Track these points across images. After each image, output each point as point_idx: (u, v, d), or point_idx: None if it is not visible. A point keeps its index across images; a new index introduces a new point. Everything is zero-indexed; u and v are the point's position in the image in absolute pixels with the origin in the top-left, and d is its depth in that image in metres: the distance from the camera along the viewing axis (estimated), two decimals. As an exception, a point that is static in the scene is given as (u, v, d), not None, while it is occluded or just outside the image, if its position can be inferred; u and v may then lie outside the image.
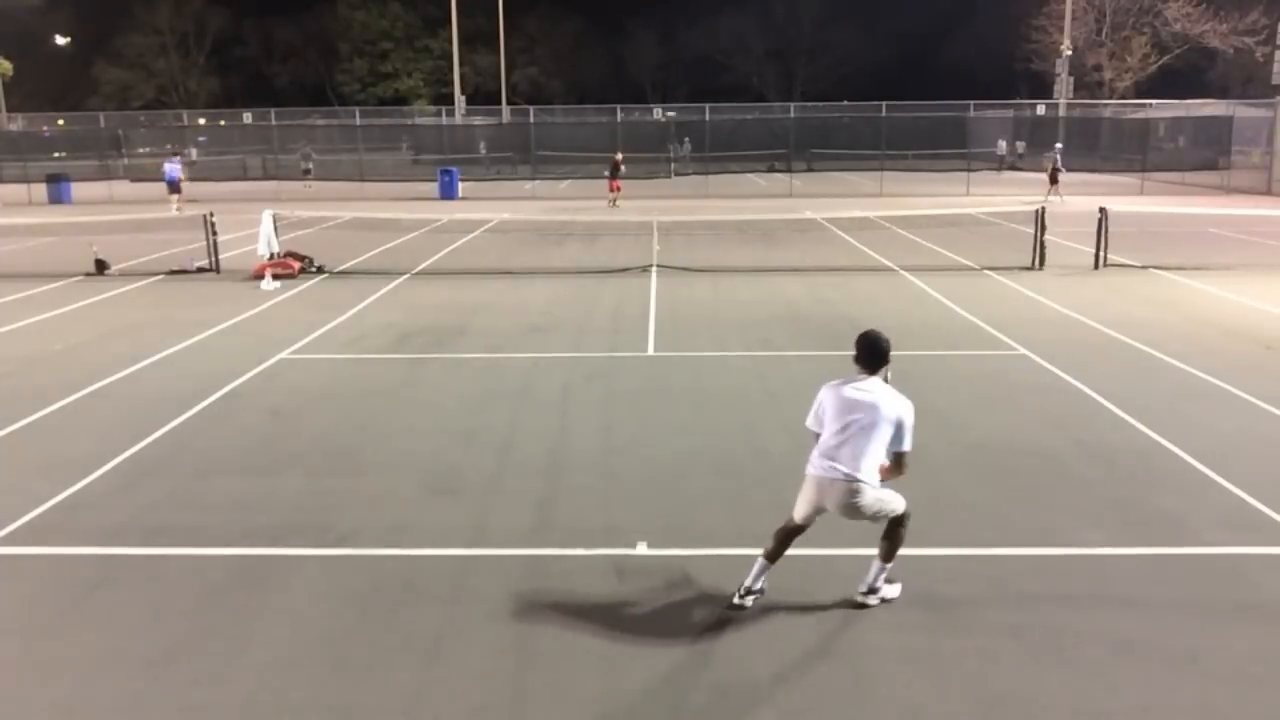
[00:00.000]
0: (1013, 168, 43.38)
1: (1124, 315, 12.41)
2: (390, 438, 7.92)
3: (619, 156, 30.09)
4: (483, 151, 44.34)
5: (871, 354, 5.00)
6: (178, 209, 26.42)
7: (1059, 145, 30.76)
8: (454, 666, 4.60)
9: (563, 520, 6.25)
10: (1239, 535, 5.92)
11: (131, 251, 18.85)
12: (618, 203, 28.42)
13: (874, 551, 5.13)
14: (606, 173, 29.74)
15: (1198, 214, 22.80)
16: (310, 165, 39.54)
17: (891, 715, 4.21)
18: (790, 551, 5.73)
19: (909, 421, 4.88)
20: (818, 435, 5.10)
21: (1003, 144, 42.87)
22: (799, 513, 5.07)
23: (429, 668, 4.59)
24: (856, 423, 4.85)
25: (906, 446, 4.91)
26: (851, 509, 4.90)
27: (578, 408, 8.68)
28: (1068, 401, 8.75)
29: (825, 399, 5.06)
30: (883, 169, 35.90)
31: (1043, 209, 16.64)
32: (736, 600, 5.09)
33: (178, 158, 30.00)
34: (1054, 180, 28.60)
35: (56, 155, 43.87)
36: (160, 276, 16.48)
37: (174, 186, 28.29)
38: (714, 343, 11.22)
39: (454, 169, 34.33)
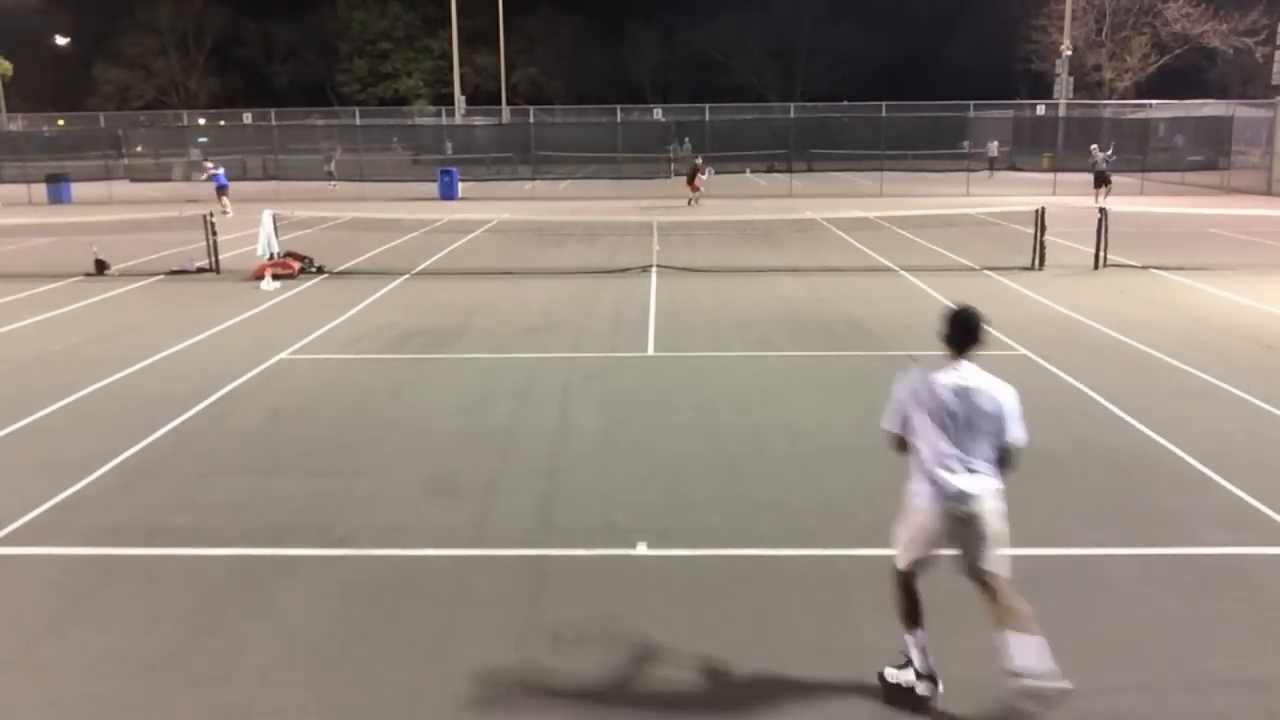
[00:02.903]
0: (1012, 167, 43.30)
1: (1124, 315, 12.41)
2: (390, 438, 7.92)
3: (699, 160, 30.33)
4: (449, 152, 44.23)
5: (962, 333, 4.19)
6: (225, 211, 26.10)
7: (1095, 145, 29.57)
8: (454, 666, 4.60)
9: (563, 520, 6.25)
10: (1239, 535, 5.92)
11: (131, 251, 18.85)
12: (700, 202, 28.47)
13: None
14: (685, 175, 29.83)
15: (1198, 214, 22.80)
16: (333, 167, 39.35)
17: (891, 715, 4.21)
18: (791, 551, 5.75)
19: (1015, 411, 4.10)
20: (898, 440, 4.23)
21: (994, 145, 42.35)
22: (910, 555, 4.21)
23: (429, 668, 4.60)
24: (970, 424, 4.03)
25: (1019, 440, 4.09)
26: (987, 526, 4.04)
27: (578, 408, 8.68)
28: (1068, 401, 8.75)
29: (915, 394, 4.15)
30: (882, 169, 35.89)
31: (1042, 209, 16.62)
32: (920, 691, 4.22)
33: (214, 164, 29.62)
34: (1106, 183, 27.73)
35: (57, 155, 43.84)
36: (160, 276, 16.48)
37: (223, 189, 27.95)
38: (714, 343, 11.22)
39: (454, 169, 34.36)
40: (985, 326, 4.21)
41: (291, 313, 13.32)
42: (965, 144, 44.15)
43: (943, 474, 4.00)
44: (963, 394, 4.04)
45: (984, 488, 4.02)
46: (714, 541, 5.92)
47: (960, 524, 4.04)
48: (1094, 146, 29.32)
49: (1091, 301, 13.38)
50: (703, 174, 29.75)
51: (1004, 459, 4.10)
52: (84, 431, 8.16)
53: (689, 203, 28.53)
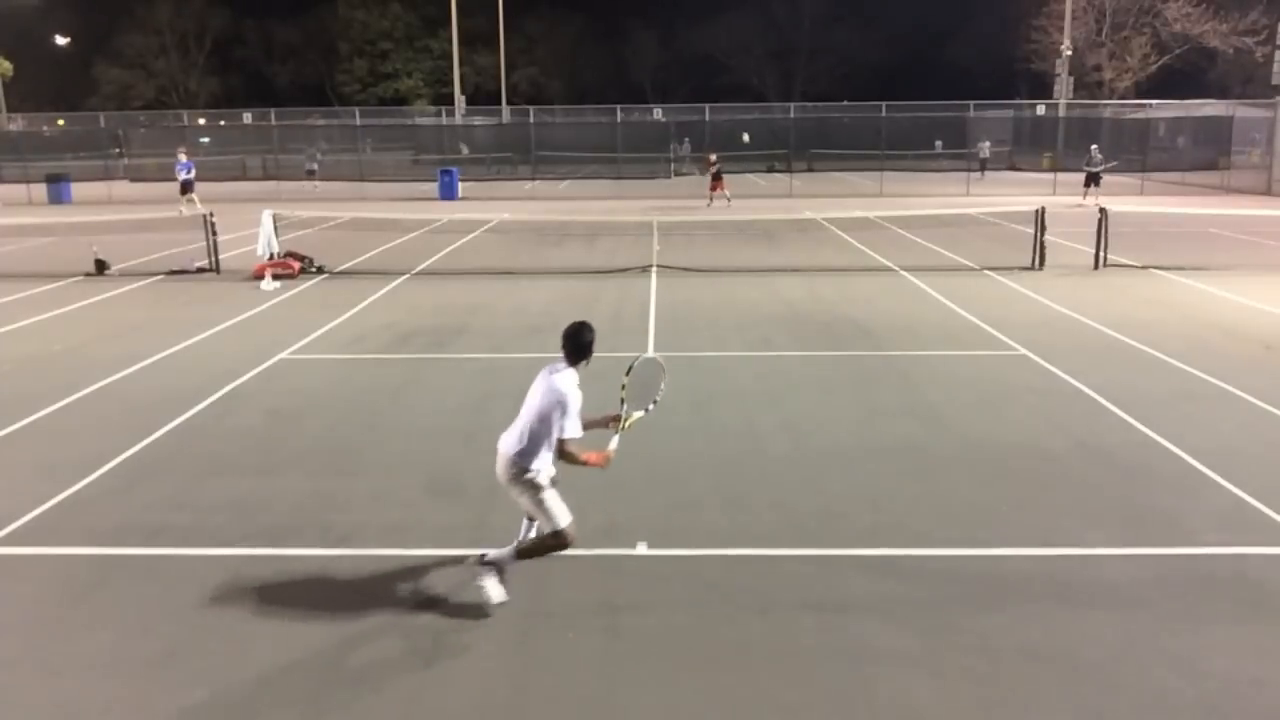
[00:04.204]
0: (1012, 167, 43.21)
1: (1124, 315, 12.41)
2: (390, 438, 7.92)
3: (713, 157, 29.27)
4: (465, 153, 44.35)
5: (568, 344, 5.17)
6: (182, 211, 25.75)
7: (1095, 146, 29.41)
8: (454, 666, 4.60)
9: (563, 520, 6.24)
10: (1239, 535, 5.93)
11: (131, 251, 18.85)
12: (730, 202, 27.81)
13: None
14: (708, 175, 28.97)
15: (1198, 214, 22.80)
16: (315, 166, 39.29)
17: (891, 715, 4.21)
18: (790, 551, 5.76)
19: (564, 408, 4.89)
20: None
21: (985, 145, 41.73)
22: None
23: (429, 668, 4.60)
24: (528, 404, 5.05)
25: (563, 434, 4.93)
26: (511, 488, 5.04)
27: (578, 408, 8.67)
28: (1068, 401, 8.75)
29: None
30: (883, 169, 35.87)
31: (1042, 209, 16.61)
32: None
33: (185, 157, 28.86)
34: (1095, 183, 27.52)
35: (57, 156, 43.75)
36: (160, 276, 16.47)
37: (187, 186, 27.17)
38: (714, 343, 11.22)
39: (454, 169, 34.39)
40: (588, 342, 5.16)
41: (291, 313, 13.32)
42: (938, 143, 43.88)
43: (504, 435, 5.12)
44: (538, 386, 5.06)
45: (508, 450, 5.01)
46: (714, 541, 5.92)
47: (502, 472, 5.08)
48: (1094, 147, 29.21)
49: (1091, 301, 13.38)
50: (713, 167, 28.71)
51: (558, 448, 5.00)
52: (84, 431, 8.16)
53: (710, 203, 27.88)
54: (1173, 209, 25.09)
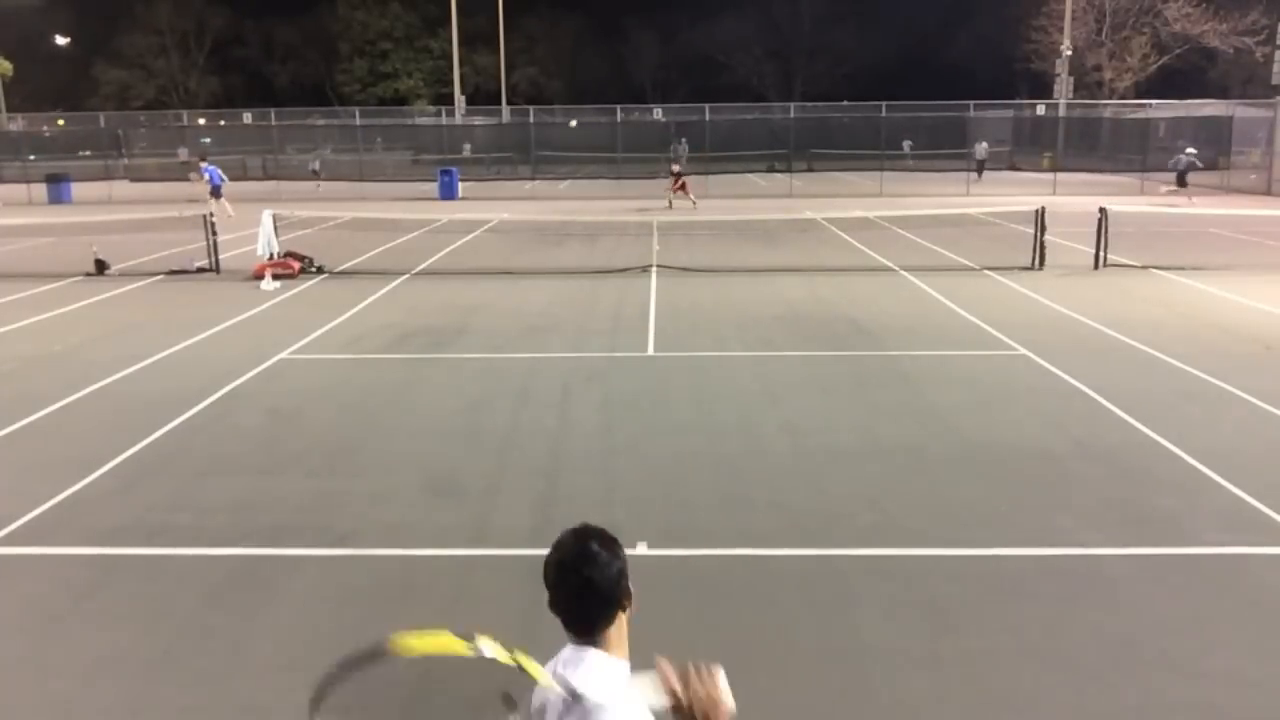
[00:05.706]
0: (1012, 167, 43.18)
1: (1124, 315, 12.41)
2: (390, 438, 7.92)
3: (676, 167, 29.99)
4: (467, 152, 44.56)
5: (570, 598, 2.39)
6: (229, 213, 25.15)
7: (1192, 150, 29.59)
8: (454, 666, 4.59)
9: (562, 520, 6.17)
10: (1239, 535, 5.92)
11: (131, 251, 18.84)
12: (670, 205, 28.10)
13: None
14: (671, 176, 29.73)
15: (1198, 214, 22.79)
16: (318, 166, 39.34)
17: (891, 715, 4.21)
18: (790, 551, 5.77)
19: None
20: None
21: (981, 146, 41.31)
22: None
23: (429, 668, 4.59)
24: None
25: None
26: None
27: (577, 408, 8.68)
28: (1068, 401, 8.74)
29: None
30: (882, 169, 35.85)
31: (1042, 209, 16.62)
32: None
33: (204, 163, 28.79)
34: (1183, 182, 27.80)
35: (56, 155, 43.72)
36: (160, 276, 16.47)
37: (217, 191, 27.14)
38: (714, 343, 11.22)
39: (454, 169, 34.38)
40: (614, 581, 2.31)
41: (291, 313, 13.32)
42: (906, 144, 43.76)
43: None
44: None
45: None
46: (714, 541, 5.91)
47: None
48: (1190, 149, 29.57)
49: (1091, 301, 13.38)
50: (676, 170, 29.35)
51: None
52: (84, 431, 8.16)
53: (691, 203, 28.28)
54: (1173, 209, 25.08)
